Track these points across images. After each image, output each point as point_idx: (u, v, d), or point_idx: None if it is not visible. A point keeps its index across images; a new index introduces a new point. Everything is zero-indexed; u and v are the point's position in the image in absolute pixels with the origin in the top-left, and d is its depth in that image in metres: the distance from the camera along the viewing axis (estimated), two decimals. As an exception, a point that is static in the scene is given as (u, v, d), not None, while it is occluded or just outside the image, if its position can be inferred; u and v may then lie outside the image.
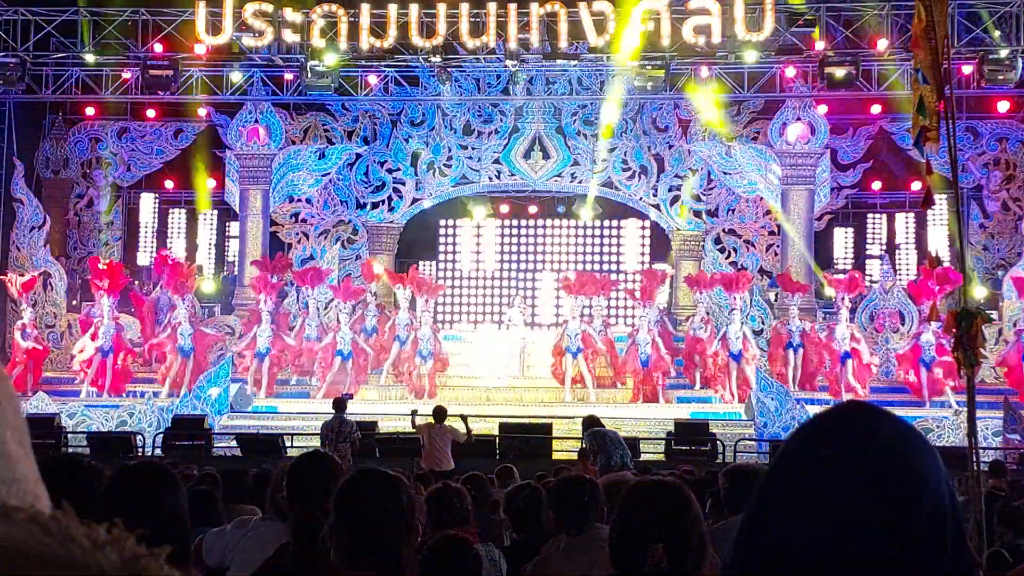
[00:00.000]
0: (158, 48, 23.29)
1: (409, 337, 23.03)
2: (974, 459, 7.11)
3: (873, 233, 27.77)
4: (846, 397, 20.63)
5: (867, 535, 1.35)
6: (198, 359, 23.21)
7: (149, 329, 24.16)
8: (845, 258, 27.56)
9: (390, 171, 26.33)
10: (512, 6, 22.01)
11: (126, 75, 24.12)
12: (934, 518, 1.37)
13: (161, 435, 19.74)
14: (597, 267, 26.52)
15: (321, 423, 16.65)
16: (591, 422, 15.02)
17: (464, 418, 16.27)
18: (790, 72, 23.49)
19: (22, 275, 23.89)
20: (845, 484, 1.37)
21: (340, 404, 16.55)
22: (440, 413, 16.11)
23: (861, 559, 1.34)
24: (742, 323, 22.40)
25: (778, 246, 24.96)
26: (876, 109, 25.14)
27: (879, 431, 1.41)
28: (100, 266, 23.49)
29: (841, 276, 23.62)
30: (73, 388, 23.27)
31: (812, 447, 1.44)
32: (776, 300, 24.44)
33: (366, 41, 22.22)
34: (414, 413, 16.87)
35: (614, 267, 26.71)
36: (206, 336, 23.66)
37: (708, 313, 23.04)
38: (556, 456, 18.30)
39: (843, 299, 22.40)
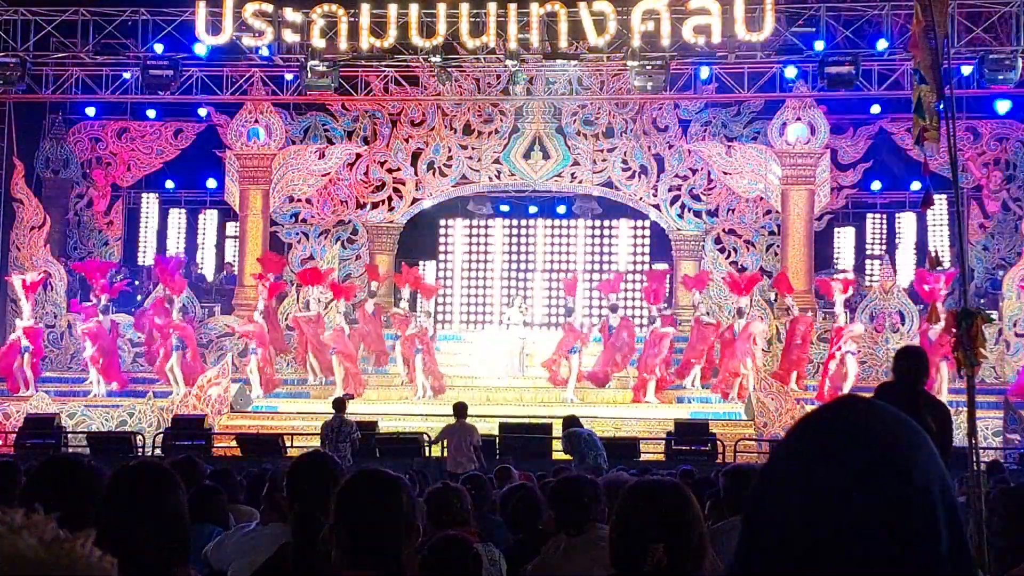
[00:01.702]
0: (158, 48, 23.29)
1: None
2: (974, 459, 7.10)
3: (873, 233, 27.76)
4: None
5: (863, 530, 1.35)
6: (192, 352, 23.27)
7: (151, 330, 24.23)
8: (845, 258, 27.56)
9: (390, 171, 26.32)
10: (512, 6, 22.00)
11: (126, 75, 24.13)
12: (924, 509, 1.36)
13: (161, 435, 19.76)
14: (597, 267, 26.54)
15: (321, 423, 16.67)
16: (570, 423, 15.06)
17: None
18: (790, 72, 23.50)
19: (24, 274, 23.91)
20: (838, 480, 1.37)
21: (340, 404, 16.56)
22: (460, 409, 15.99)
23: (860, 557, 1.34)
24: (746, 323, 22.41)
25: (778, 246, 24.98)
26: (876, 109, 25.17)
27: (870, 424, 1.41)
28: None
29: (840, 277, 23.60)
30: (73, 388, 23.27)
31: (806, 445, 1.44)
32: (776, 300, 24.45)
33: (366, 41, 22.22)
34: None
35: (615, 267, 26.70)
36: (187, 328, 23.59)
37: (708, 312, 23.07)
38: (556, 456, 18.32)
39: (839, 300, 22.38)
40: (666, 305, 23.94)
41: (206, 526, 5.74)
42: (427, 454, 18.61)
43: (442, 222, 27.57)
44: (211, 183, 27.35)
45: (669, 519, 2.88)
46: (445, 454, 16.48)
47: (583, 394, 22.89)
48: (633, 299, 25.71)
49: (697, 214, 25.74)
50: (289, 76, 24.16)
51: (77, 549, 0.92)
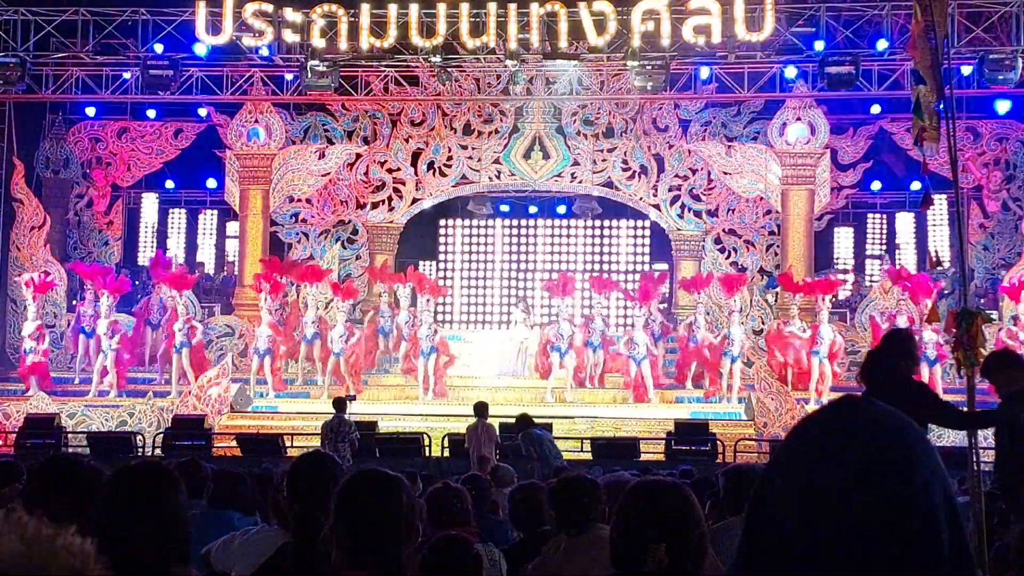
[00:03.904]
0: (158, 48, 23.29)
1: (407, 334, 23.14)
2: (974, 459, 7.11)
3: (873, 233, 27.77)
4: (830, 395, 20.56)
5: (863, 530, 1.35)
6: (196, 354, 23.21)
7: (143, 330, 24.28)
8: (845, 258, 27.56)
9: (390, 171, 26.32)
10: (512, 6, 21.99)
11: (126, 75, 24.13)
12: (925, 509, 1.36)
13: (161, 435, 19.76)
14: (597, 267, 26.53)
15: (321, 423, 16.66)
16: (525, 423, 14.81)
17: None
18: (790, 72, 23.49)
19: (34, 277, 23.89)
20: (839, 480, 1.37)
21: (340, 404, 16.55)
22: (479, 409, 15.86)
23: (860, 557, 1.34)
24: (742, 324, 22.38)
25: (778, 246, 24.97)
26: (876, 109, 25.17)
27: (870, 425, 1.42)
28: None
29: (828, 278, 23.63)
30: (73, 388, 23.27)
31: (806, 446, 1.44)
32: (776, 300, 24.44)
33: (366, 41, 22.22)
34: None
35: (615, 267, 26.71)
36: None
37: (708, 313, 23.07)
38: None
39: (822, 300, 22.30)
40: (665, 306, 23.90)
41: (233, 513, 5.71)
42: (427, 454, 18.62)
43: (442, 222, 27.57)
44: (211, 183, 27.37)
45: (670, 519, 2.88)
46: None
47: (582, 394, 22.87)
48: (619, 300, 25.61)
49: (697, 214, 25.74)
50: (289, 76, 24.15)
51: (58, 543, 0.93)
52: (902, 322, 21.42)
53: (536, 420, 19.55)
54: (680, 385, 23.05)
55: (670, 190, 25.74)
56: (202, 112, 26.26)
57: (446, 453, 18.34)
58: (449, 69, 23.43)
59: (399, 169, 26.28)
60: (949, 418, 7.17)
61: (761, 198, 25.19)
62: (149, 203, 28.36)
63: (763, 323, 23.68)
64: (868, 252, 27.63)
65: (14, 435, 20.07)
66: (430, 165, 26.21)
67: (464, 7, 22.05)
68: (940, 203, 25.15)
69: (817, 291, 22.28)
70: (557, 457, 14.02)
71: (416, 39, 22.23)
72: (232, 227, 27.94)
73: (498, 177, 26.18)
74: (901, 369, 6.93)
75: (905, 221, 27.42)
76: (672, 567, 2.84)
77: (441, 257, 27.62)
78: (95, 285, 23.52)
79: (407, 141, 26.21)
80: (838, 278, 24.23)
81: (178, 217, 28.70)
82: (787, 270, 23.42)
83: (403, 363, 23.52)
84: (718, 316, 23.17)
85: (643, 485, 3.08)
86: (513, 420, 18.97)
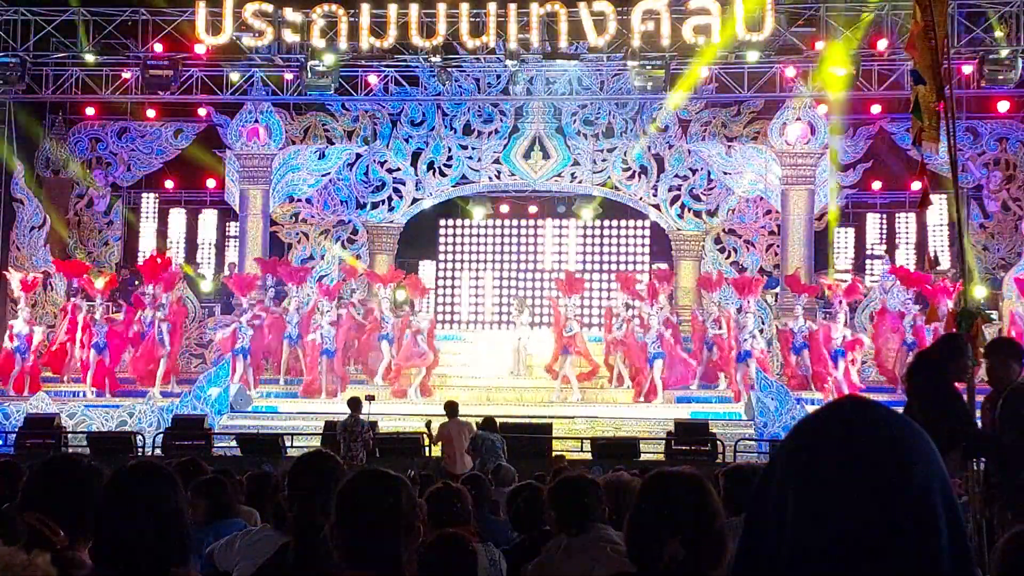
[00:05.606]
0: (158, 48, 23.29)
1: (393, 337, 23.10)
2: (973, 459, 7.09)
3: (873, 233, 27.75)
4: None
5: (863, 530, 1.35)
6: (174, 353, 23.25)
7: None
8: (845, 258, 27.54)
9: (390, 171, 26.32)
10: (512, 6, 22.02)
11: (126, 75, 24.13)
12: (925, 508, 1.36)
13: (161, 435, 19.76)
14: (597, 267, 26.51)
15: (321, 423, 16.71)
16: (486, 424, 15.31)
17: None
18: (790, 72, 23.49)
19: (24, 273, 23.89)
20: (839, 480, 1.37)
21: (355, 404, 16.57)
22: (451, 408, 16.05)
23: (860, 556, 1.34)
24: (754, 324, 22.38)
25: (778, 246, 24.97)
26: (876, 109, 25.17)
27: (870, 425, 1.42)
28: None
29: (844, 280, 23.62)
30: (73, 388, 23.27)
31: (806, 446, 1.44)
32: (776, 301, 24.43)
33: (366, 41, 22.23)
34: (428, 424, 16.87)
35: (615, 267, 26.68)
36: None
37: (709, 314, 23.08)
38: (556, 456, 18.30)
39: (841, 302, 22.38)
40: (662, 306, 23.85)
41: (224, 523, 5.68)
42: (427, 454, 18.61)
43: (442, 222, 27.56)
44: (211, 183, 27.35)
45: (684, 511, 2.77)
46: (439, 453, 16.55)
47: (583, 394, 22.87)
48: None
49: (697, 214, 25.73)
50: (289, 76, 24.15)
51: (30, 570, 0.94)
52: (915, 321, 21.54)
53: (535, 421, 19.75)
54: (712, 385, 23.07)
55: (670, 190, 25.74)
56: (202, 112, 26.25)
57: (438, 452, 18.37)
58: (449, 69, 23.43)
59: (399, 169, 26.28)
60: (967, 443, 6.89)
61: (761, 198, 25.19)
62: (149, 203, 28.33)
63: (763, 322, 23.65)
64: (868, 252, 27.61)
65: (14, 435, 20.06)
66: (430, 165, 26.21)
67: (464, 7, 22.07)
68: (940, 203, 25.13)
69: (822, 290, 22.35)
70: (498, 459, 14.34)
71: (416, 39, 22.25)
72: (232, 227, 27.93)
73: (498, 177, 26.18)
74: (949, 373, 6.85)
75: (905, 221, 27.40)
76: (688, 562, 2.73)
77: (441, 257, 27.61)
78: (79, 283, 23.57)
79: (407, 141, 26.20)
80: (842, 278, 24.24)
81: (178, 217, 28.68)
82: (794, 272, 23.36)
83: (383, 373, 23.33)
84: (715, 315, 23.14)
85: (658, 475, 2.96)
86: (513, 420, 19.23)
